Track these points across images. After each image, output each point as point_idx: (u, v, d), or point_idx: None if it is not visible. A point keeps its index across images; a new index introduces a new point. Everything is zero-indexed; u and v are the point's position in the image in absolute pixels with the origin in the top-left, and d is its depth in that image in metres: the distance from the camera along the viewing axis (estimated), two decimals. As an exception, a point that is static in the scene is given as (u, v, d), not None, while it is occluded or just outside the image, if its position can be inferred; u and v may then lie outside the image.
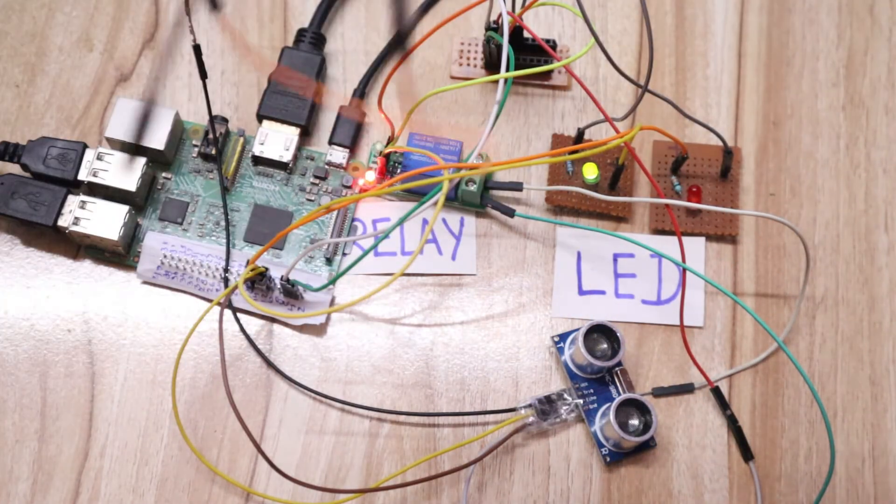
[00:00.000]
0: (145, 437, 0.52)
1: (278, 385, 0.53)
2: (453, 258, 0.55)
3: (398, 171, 0.56)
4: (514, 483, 0.51)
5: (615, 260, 0.55)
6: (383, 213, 0.56)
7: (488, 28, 0.54)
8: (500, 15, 0.51)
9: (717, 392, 0.52)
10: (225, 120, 0.56)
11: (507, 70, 0.49)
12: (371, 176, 0.56)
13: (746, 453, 0.52)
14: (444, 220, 0.56)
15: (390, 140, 0.55)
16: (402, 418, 0.52)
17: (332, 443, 0.52)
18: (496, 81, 0.49)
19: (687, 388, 0.53)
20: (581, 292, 0.55)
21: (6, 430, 0.51)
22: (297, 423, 0.52)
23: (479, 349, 0.54)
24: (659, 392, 0.53)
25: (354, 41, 0.59)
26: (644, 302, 0.55)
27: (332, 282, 0.52)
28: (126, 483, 0.51)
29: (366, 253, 0.49)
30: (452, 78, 0.58)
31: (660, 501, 0.51)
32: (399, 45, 0.54)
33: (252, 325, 0.54)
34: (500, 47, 0.52)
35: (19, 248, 0.55)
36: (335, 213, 0.55)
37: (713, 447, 0.52)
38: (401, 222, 0.48)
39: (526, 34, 0.56)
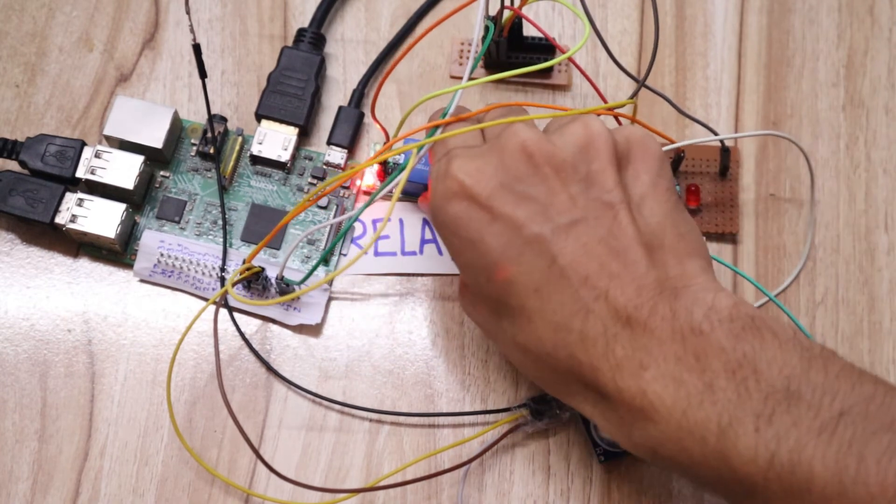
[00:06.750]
0: (145, 437, 0.52)
1: (278, 385, 0.53)
2: (453, 258, 0.55)
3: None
4: (514, 483, 0.51)
5: (615, 260, 0.55)
6: (383, 214, 0.56)
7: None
8: (499, 9, 0.51)
9: None
10: (224, 119, 0.56)
11: (481, 48, 0.47)
12: (371, 177, 0.56)
13: None
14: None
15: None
16: (402, 418, 0.52)
17: (332, 443, 0.52)
18: (497, 81, 0.49)
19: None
20: (581, 292, 0.55)
21: (6, 430, 0.52)
22: (297, 423, 0.52)
23: (479, 349, 0.54)
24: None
25: (354, 41, 0.59)
26: (644, 302, 0.54)
27: (312, 271, 0.51)
28: (126, 483, 0.51)
29: (335, 240, 0.49)
30: (452, 78, 0.58)
31: (660, 501, 0.51)
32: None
33: (251, 325, 0.54)
34: (499, 45, 0.52)
35: (19, 248, 0.55)
36: (331, 215, 0.55)
37: (713, 447, 0.52)
38: (375, 196, 0.48)
39: (525, 33, 0.56)
